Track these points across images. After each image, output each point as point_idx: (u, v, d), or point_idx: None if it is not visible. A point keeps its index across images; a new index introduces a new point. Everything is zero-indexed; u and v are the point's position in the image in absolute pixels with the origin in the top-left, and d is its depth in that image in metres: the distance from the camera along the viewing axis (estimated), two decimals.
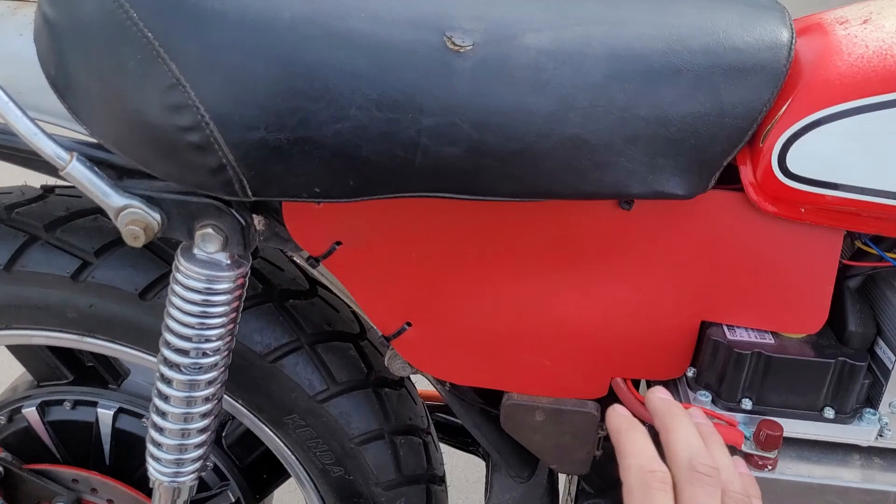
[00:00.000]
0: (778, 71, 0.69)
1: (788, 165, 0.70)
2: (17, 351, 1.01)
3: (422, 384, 0.97)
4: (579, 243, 0.77)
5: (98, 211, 0.89)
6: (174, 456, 0.80)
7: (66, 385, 1.02)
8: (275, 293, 0.91)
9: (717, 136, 0.70)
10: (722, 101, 0.69)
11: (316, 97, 0.64)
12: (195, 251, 0.73)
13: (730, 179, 0.74)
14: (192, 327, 0.75)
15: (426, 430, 1.00)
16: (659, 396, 0.66)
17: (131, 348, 0.90)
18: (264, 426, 0.93)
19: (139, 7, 0.62)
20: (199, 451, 0.81)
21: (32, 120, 0.68)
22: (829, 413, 0.77)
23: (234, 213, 0.71)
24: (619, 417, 0.64)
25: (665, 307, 0.79)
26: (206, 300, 0.74)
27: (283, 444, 0.94)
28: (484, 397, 0.88)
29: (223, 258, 0.73)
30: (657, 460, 0.60)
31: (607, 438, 0.86)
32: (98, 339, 0.90)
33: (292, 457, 0.95)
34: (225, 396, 0.91)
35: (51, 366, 1.01)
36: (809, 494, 0.77)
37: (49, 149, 0.68)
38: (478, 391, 0.89)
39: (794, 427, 0.77)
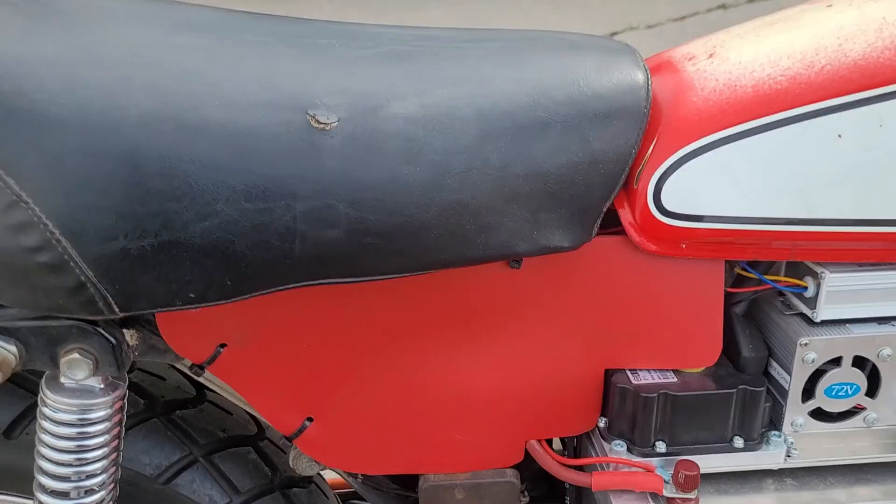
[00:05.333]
0: (640, 113, 0.71)
1: (664, 203, 0.71)
2: None
3: (331, 473, 0.91)
4: (474, 309, 0.75)
5: None
6: None
7: None
8: (159, 406, 0.84)
9: (594, 183, 0.70)
10: (593, 149, 0.69)
11: (177, 196, 0.59)
12: (62, 380, 0.66)
13: (611, 223, 0.75)
14: (69, 465, 0.68)
15: None
16: None
17: (2, 493, 0.81)
18: None
19: None
20: None
21: None
22: (739, 442, 0.77)
23: (102, 331, 0.65)
24: None
25: (568, 361, 0.78)
26: (82, 433, 0.67)
27: None
28: (398, 482, 0.84)
29: (95, 383, 0.67)
30: None
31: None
32: None
33: None
34: None
35: None
36: None
37: None
38: (392, 477, 0.84)
39: (708, 462, 0.77)
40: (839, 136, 0.70)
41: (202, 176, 0.60)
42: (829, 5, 0.77)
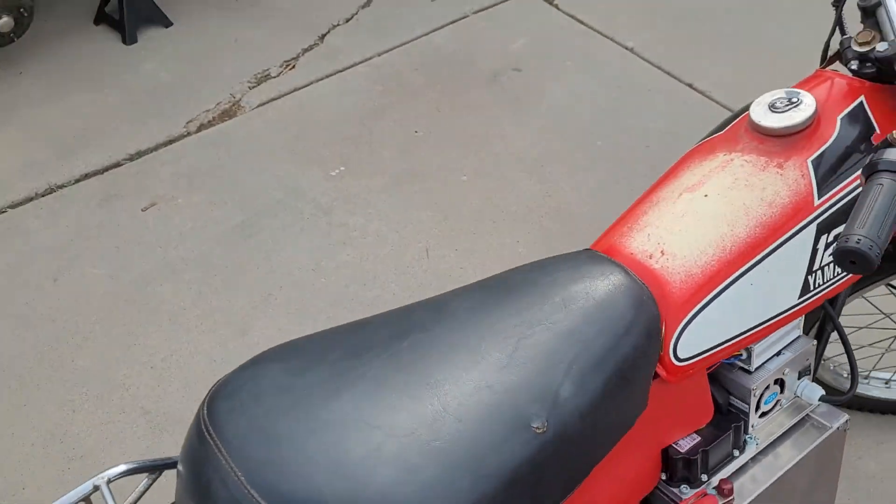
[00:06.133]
0: (655, 318, 1.17)
1: (678, 354, 1.20)
2: None
3: None
4: None
5: None
6: None
7: None
8: None
9: (647, 369, 1.16)
10: (647, 349, 1.15)
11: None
12: None
13: None
14: None
15: None
16: None
17: None
18: None
19: None
20: None
21: None
22: (736, 452, 1.33)
23: None
24: None
25: (642, 447, 1.26)
26: None
27: None
28: None
29: None
30: None
31: None
32: None
33: None
34: None
35: None
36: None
37: None
38: None
39: (727, 470, 1.32)
40: (751, 284, 1.22)
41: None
42: (706, 195, 1.28)
